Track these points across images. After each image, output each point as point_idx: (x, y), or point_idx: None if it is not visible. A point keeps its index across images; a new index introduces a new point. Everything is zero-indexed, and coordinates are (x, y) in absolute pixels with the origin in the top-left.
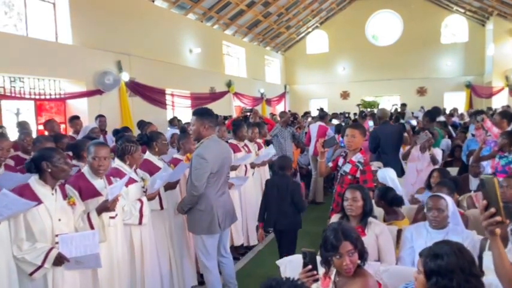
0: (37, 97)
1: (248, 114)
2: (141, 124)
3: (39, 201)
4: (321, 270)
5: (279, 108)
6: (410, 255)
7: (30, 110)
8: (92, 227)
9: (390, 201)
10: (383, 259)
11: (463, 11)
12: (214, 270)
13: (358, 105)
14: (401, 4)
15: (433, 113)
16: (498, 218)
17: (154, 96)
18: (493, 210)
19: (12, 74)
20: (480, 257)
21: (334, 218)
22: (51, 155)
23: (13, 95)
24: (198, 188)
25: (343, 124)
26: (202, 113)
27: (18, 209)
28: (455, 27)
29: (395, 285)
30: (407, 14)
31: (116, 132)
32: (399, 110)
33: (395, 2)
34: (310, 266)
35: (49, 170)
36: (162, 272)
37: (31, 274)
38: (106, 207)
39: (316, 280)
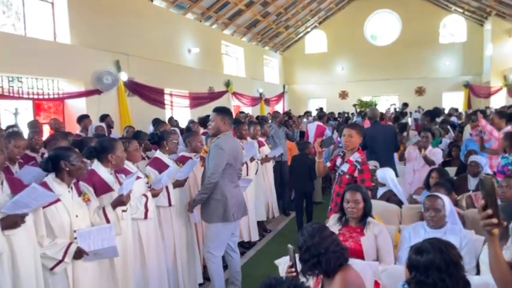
0: (35, 97)
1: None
2: (156, 122)
3: (57, 198)
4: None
5: (278, 108)
6: None
7: (29, 109)
8: (107, 221)
9: None
10: (382, 259)
11: (461, 11)
12: (220, 261)
13: (355, 105)
14: (400, 4)
15: (434, 113)
16: (494, 220)
17: (153, 96)
18: (489, 211)
19: (10, 74)
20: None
21: (333, 218)
22: (69, 154)
23: (11, 94)
24: (216, 176)
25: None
26: (223, 110)
27: (44, 200)
28: (453, 27)
29: (393, 285)
30: (406, 13)
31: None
32: (397, 109)
33: (394, 1)
34: (290, 263)
35: (67, 169)
36: (169, 268)
37: (52, 269)
38: (121, 201)
39: (295, 277)
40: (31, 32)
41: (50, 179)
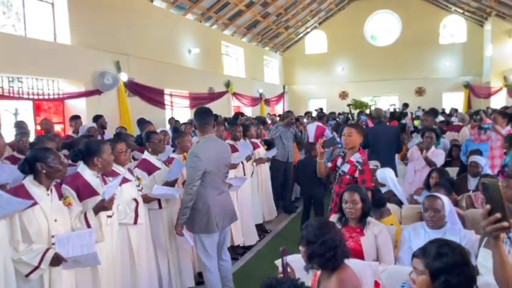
0: (35, 97)
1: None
2: (141, 122)
3: (34, 202)
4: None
5: (278, 108)
6: (409, 255)
7: (29, 110)
8: (88, 227)
9: (374, 202)
10: (381, 259)
11: (461, 11)
12: (214, 270)
13: (349, 105)
14: (400, 4)
15: (436, 111)
16: (505, 224)
17: (153, 96)
18: (498, 215)
19: (10, 74)
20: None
21: (333, 219)
22: (46, 156)
23: (11, 95)
24: (192, 187)
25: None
26: (201, 112)
27: (13, 208)
28: (453, 27)
29: (393, 284)
30: (406, 14)
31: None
32: (397, 109)
33: (394, 2)
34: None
35: (44, 171)
36: (161, 272)
37: (27, 275)
38: (103, 206)
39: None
40: (31, 32)
41: (28, 181)
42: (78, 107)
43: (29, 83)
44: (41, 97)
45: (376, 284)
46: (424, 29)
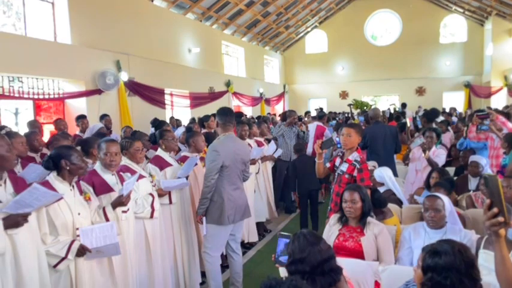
0: (36, 97)
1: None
2: (155, 122)
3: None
4: None
5: (278, 108)
6: (409, 255)
7: (29, 109)
8: (107, 221)
9: (374, 202)
10: (382, 259)
11: (461, 10)
12: (216, 262)
13: (350, 105)
14: (400, 4)
15: (431, 114)
16: (500, 219)
17: (153, 95)
18: (495, 210)
19: (11, 74)
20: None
21: (333, 218)
22: (70, 153)
23: (12, 94)
24: (210, 179)
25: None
26: (221, 112)
27: (47, 200)
28: (454, 27)
29: (394, 285)
30: (406, 13)
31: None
32: (397, 109)
33: (394, 1)
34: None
35: (67, 168)
36: (171, 266)
37: (55, 266)
38: (121, 202)
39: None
40: (31, 32)
41: (52, 177)
42: (79, 106)
43: (30, 83)
44: (41, 97)
45: (376, 284)
46: (425, 29)
